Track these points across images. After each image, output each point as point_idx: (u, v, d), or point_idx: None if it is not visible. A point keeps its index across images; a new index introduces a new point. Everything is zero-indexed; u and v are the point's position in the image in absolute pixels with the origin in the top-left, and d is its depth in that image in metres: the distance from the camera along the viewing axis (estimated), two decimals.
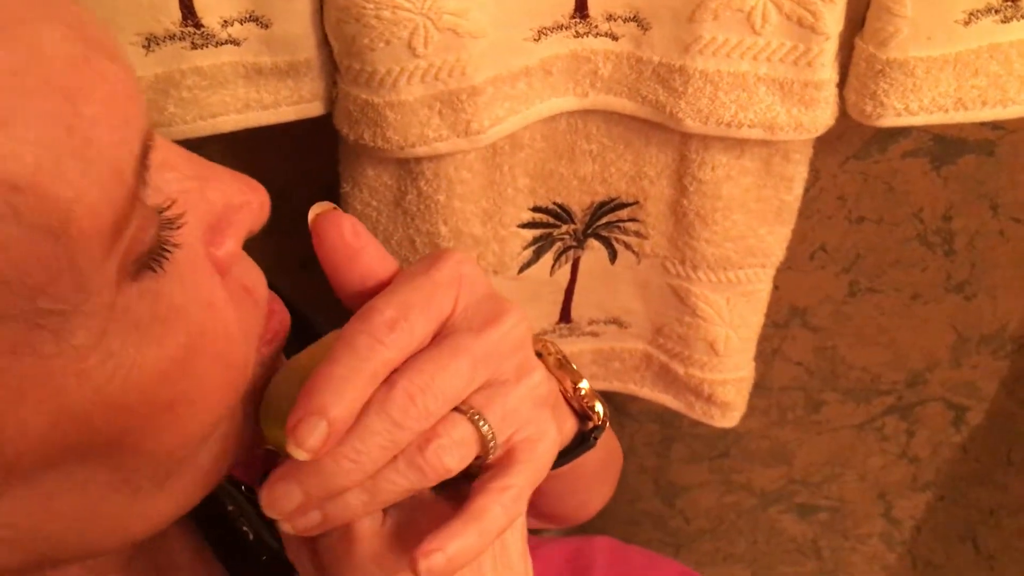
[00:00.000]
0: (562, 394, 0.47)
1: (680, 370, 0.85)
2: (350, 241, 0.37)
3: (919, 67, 0.61)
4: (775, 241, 0.76)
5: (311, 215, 0.37)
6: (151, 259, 0.28)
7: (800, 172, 0.71)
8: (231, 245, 0.32)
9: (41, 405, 0.26)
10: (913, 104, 0.62)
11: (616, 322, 0.84)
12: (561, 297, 0.82)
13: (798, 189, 0.73)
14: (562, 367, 0.46)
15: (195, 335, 0.30)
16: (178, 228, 0.29)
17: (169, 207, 0.29)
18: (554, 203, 0.75)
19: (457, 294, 0.37)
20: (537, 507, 0.60)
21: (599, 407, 0.47)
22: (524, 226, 0.75)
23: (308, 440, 0.32)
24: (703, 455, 1.15)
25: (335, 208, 0.38)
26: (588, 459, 0.49)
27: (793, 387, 1.06)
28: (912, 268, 0.93)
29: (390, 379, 0.34)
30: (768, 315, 0.97)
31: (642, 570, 0.85)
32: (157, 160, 0.29)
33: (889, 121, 0.63)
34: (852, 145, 0.82)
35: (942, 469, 1.17)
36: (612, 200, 0.75)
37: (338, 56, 0.61)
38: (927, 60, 0.61)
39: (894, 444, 1.13)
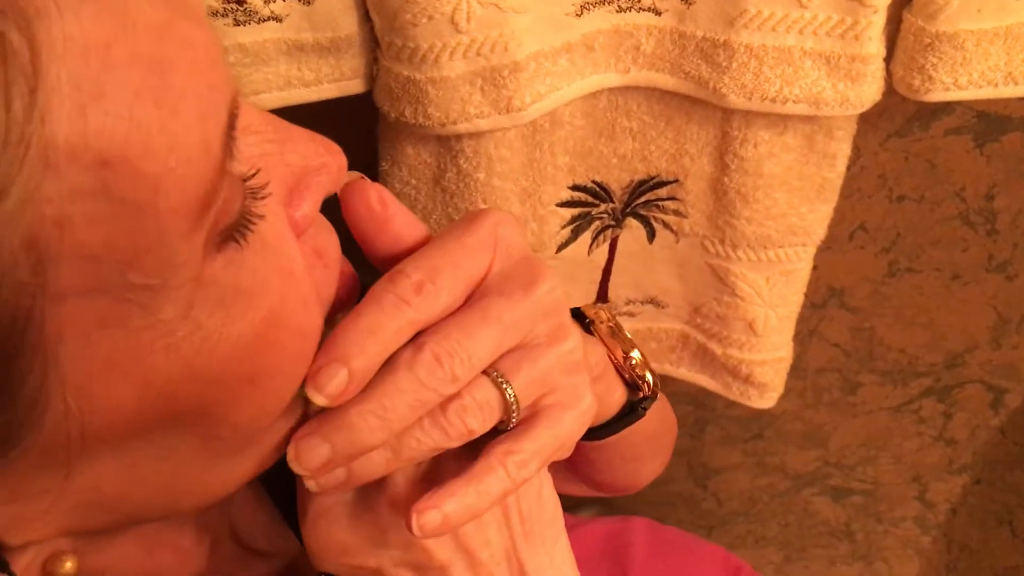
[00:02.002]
0: (612, 363, 0.46)
1: (718, 350, 0.84)
2: (377, 210, 0.37)
3: (969, 40, 0.60)
4: (816, 219, 0.76)
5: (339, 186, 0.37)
6: (236, 230, 0.28)
7: (843, 149, 0.70)
8: (308, 208, 0.32)
9: (130, 378, 0.26)
10: (962, 78, 0.61)
11: (653, 302, 0.84)
12: (598, 277, 0.82)
13: (841, 166, 0.72)
14: (614, 335, 0.46)
15: (276, 305, 0.29)
16: (263, 198, 0.29)
17: (254, 175, 0.29)
18: (593, 181, 0.74)
19: (492, 257, 0.36)
20: (586, 475, 0.60)
21: (649, 377, 0.47)
22: (563, 205, 0.75)
23: (327, 386, 0.32)
24: (737, 437, 1.14)
25: (362, 177, 0.37)
26: (638, 429, 0.48)
27: (829, 369, 1.05)
28: (953, 248, 0.92)
29: (419, 340, 0.34)
30: (805, 295, 0.97)
31: (681, 551, 0.85)
32: (240, 126, 0.28)
33: (937, 96, 0.62)
34: (894, 122, 0.81)
35: (979, 452, 1.15)
36: (652, 178, 0.74)
37: (379, 32, 0.61)
38: (977, 33, 0.60)
39: (931, 427, 1.12)
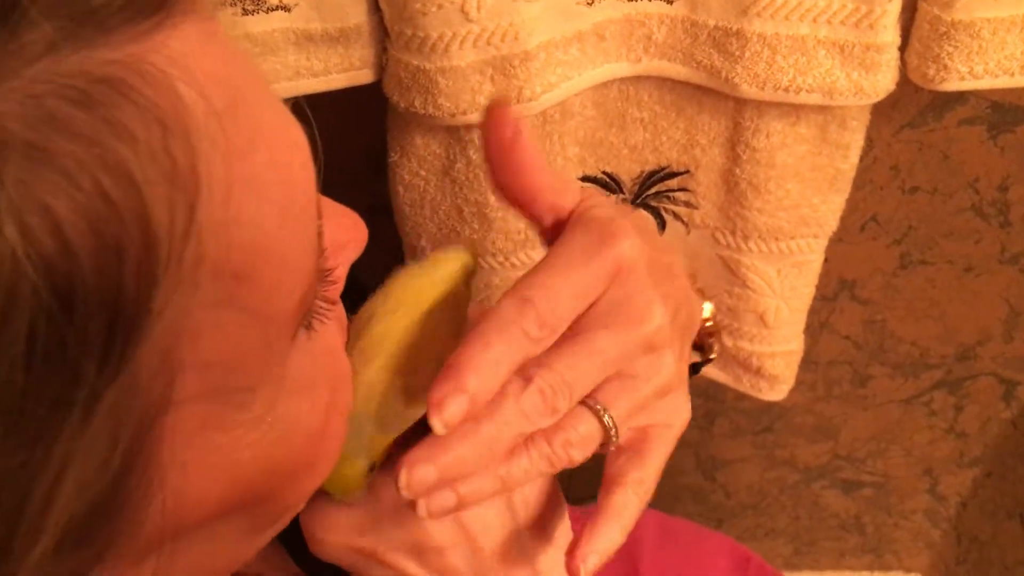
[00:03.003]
0: None
1: (728, 342, 0.84)
2: (508, 140, 0.38)
3: (985, 28, 0.59)
4: (829, 211, 0.75)
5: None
6: (311, 319, 0.28)
7: (857, 140, 0.70)
8: (338, 284, 0.32)
9: (218, 474, 0.26)
10: (978, 67, 0.61)
11: None
12: None
13: (854, 157, 0.71)
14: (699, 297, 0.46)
15: (333, 387, 0.30)
16: (334, 283, 0.29)
17: (334, 269, 0.29)
18: (603, 172, 0.74)
19: (608, 285, 0.37)
20: None
21: (714, 343, 0.47)
22: None
23: (448, 415, 0.33)
24: (746, 430, 1.14)
25: (507, 105, 0.39)
26: None
27: (840, 361, 1.04)
28: (966, 240, 0.91)
29: (527, 373, 0.35)
30: (816, 288, 0.96)
31: (691, 542, 0.84)
32: None
33: (953, 85, 0.62)
34: (907, 113, 0.81)
35: (990, 445, 1.15)
36: (662, 169, 0.74)
37: (389, 21, 0.61)
38: (994, 21, 0.59)
39: (942, 419, 1.12)
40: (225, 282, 0.23)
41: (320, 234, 0.27)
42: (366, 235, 0.34)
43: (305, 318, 0.27)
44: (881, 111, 0.81)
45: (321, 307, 0.28)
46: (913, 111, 0.80)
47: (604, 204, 0.39)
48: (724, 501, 1.25)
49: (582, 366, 0.35)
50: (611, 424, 0.37)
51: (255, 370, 0.25)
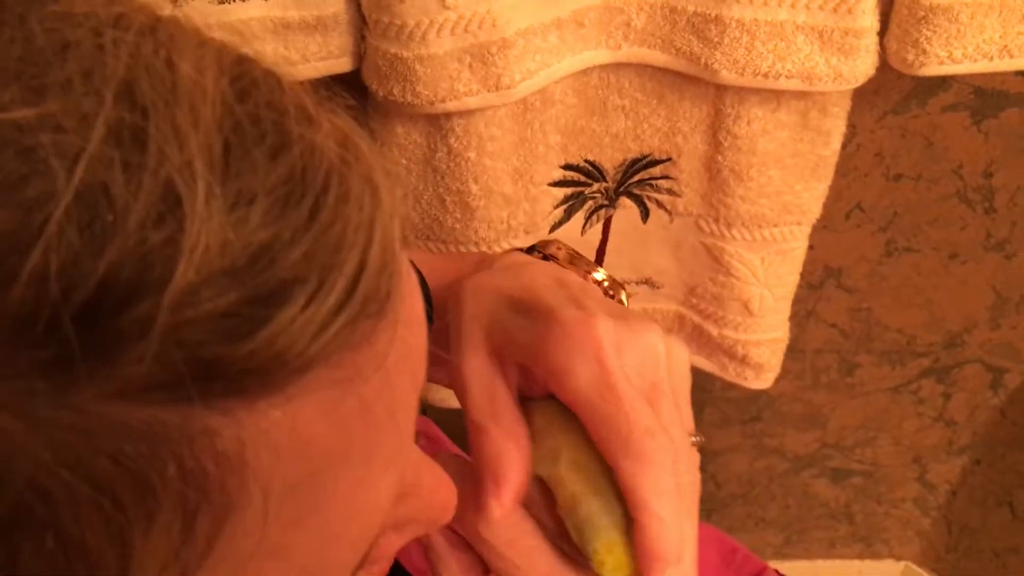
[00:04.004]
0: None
1: (713, 331, 0.84)
2: None
3: (963, 12, 0.59)
4: (811, 197, 0.75)
5: None
6: None
7: (838, 126, 0.70)
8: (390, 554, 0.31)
9: None
10: (957, 51, 0.61)
11: (648, 283, 0.83)
12: (592, 257, 0.81)
13: (836, 143, 0.71)
14: (573, 261, 0.45)
15: None
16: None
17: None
18: (586, 161, 0.73)
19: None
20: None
21: (624, 297, 0.46)
22: (555, 184, 0.74)
23: None
24: (735, 419, 1.14)
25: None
26: None
27: (827, 350, 1.04)
28: (951, 227, 0.91)
29: None
30: (802, 276, 0.96)
31: None
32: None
33: (932, 70, 0.62)
34: (890, 99, 0.80)
35: (979, 432, 1.15)
36: (645, 157, 0.73)
37: (366, 9, 0.60)
38: (972, 5, 0.59)
39: (930, 407, 1.12)
40: None
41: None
42: (451, 515, 0.32)
43: None
44: (864, 97, 0.80)
45: None
46: (896, 97, 0.80)
47: None
48: (714, 491, 1.25)
49: None
50: None
51: None
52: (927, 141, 0.84)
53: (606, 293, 0.45)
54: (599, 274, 0.45)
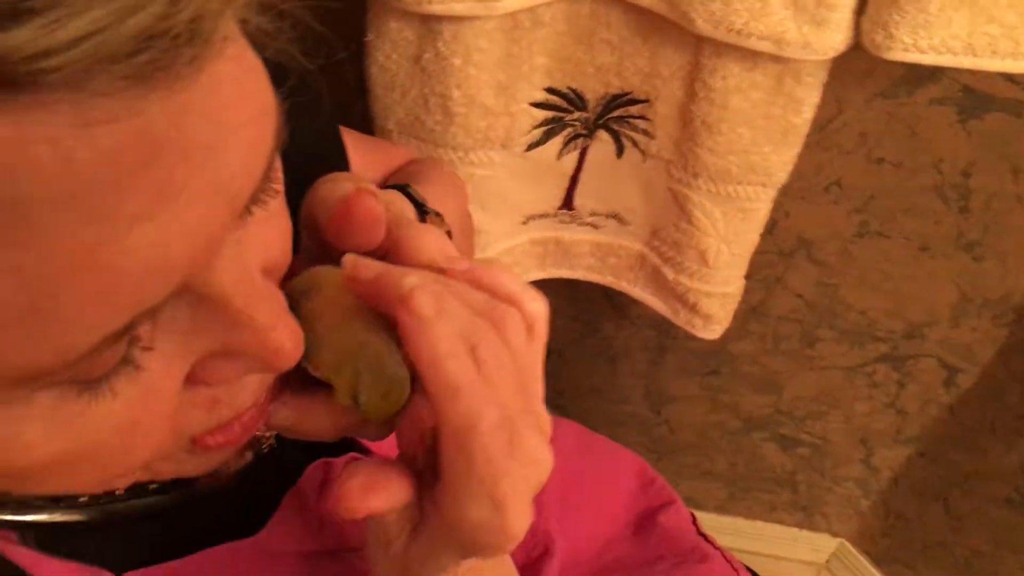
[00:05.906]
0: None
1: (670, 275, 0.87)
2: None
3: (933, 3, 0.61)
4: (779, 162, 0.77)
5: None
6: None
7: (811, 96, 0.72)
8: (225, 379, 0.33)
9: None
10: (922, 41, 0.63)
11: (616, 217, 0.87)
12: (566, 183, 0.85)
13: (807, 113, 0.73)
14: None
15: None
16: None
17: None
18: (569, 88, 0.77)
19: None
20: None
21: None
22: (536, 105, 0.77)
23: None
24: (695, 370, 1.18)
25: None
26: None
27: (791, 318, 1.07)
28: (925, 219, 0.93)
29: None
30: (774, 243, 0.99)
31: (604, 456, 0.89)
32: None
33: (897, 55, 0.64)
34: (880, 82, 0.82)
35: (927, 426, 1.18)
36: (625, 94, 0.76)
37: None
38: None
39: (883, 393, 1.15)
40: None
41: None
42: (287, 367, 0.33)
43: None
44: (855, 77, 0.82)
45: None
46: (886, 81, 0.82)
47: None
48: (667, 435, 1.30)
49: None
50: None
51: None
52: (911, 130, 0.86)
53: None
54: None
